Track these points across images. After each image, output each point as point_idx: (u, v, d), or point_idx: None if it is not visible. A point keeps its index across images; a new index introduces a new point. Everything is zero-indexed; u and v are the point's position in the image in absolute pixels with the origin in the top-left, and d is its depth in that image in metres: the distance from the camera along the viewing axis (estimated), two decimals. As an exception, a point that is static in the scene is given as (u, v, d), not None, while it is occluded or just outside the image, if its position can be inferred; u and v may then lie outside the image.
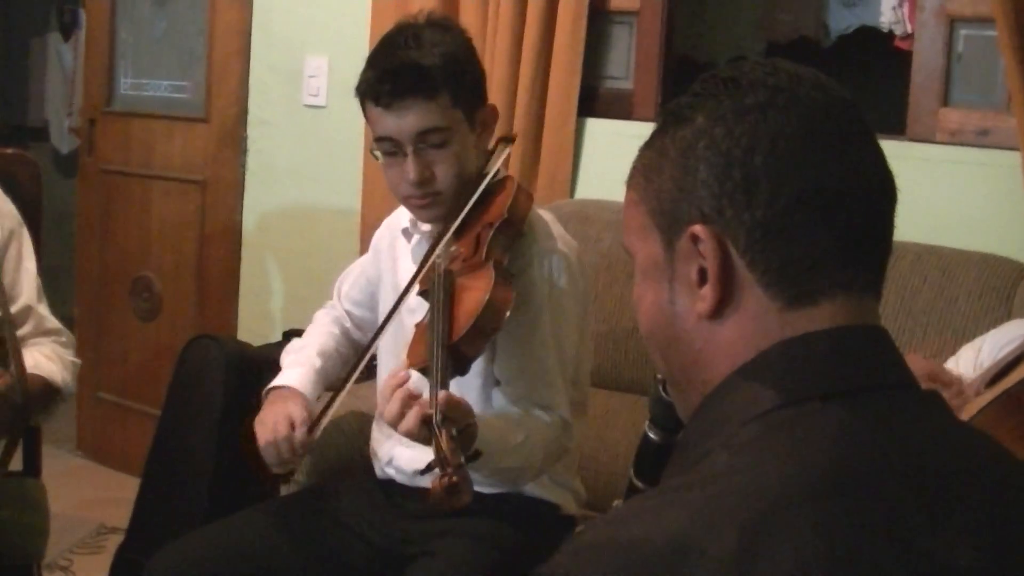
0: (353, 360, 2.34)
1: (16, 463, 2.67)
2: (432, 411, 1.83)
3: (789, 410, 0.97)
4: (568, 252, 2.22)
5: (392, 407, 1.90)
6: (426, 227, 2.28)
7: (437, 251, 2.14)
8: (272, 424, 2.24)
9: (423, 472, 1.86)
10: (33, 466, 2.78)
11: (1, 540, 2.46)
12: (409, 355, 2.06)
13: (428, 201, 2.18)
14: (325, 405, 2.28)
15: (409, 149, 2.14)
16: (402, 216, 2.37)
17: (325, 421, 2.27)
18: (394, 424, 1.91)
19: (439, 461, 1.78)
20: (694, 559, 0.86)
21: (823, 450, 0.93)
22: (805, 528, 0.87)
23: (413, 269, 2.22)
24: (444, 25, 2.23)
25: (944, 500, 0.93)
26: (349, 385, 2.27)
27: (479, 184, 2.18)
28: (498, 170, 2.23)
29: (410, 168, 2.14)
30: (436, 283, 2.06)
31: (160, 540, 2.34)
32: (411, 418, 1.86)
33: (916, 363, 1.89)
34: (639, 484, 1.27)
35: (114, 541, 3.50)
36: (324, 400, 2.32)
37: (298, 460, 2.29)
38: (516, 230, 2.16)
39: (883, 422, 0.97)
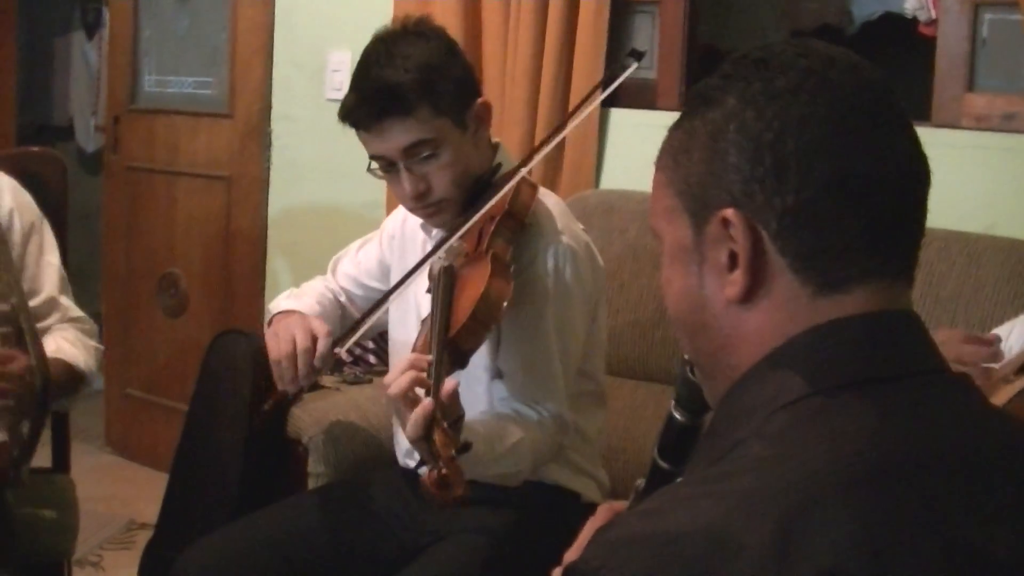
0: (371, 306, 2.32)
1: (45, 459, 2.69)
2: (434, 409, 1.78)
3: (820, 399, 0.96)
4: (575, 244, 2.19)
5: (396, 401, 1.85)
6: None
7: (439, 253, 2.13)
8: (290, 336, 2.20)
9: (416, 467, 1.82)
10: (62, 462, 2.79)
11: (31, 537, 2.48)
12: (414, 350, 2.05)
13: (432, 210, 2.20)
14: (355, 323, 2.25)
15: (400, 165, 2.14)
16: None
17: (353, 339, 2.24)
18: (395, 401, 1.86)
19: (430, 455, 1.75)
20: (732, 552, 0.85)
21: (858, 439, 0.92)
22: (842, 519, 0.86)
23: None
24: (418, 31, 2.19)
25: (981, 488, 0.92)
26: (385, 306, 2.26)
27: (491, 182, 2.18)
28: (500, 165, 2.23)
29: (405, 183, 2.15)
30: (435, 281, 2.06)
31: (190, 535, 2.35)
32: (419, 422, 1.77)
33: (944, 333, 1.88)
34: (663, 464, 1.26)
35: (144, 536, 3.51)
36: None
37: (313, 376, 2.24)
38: (518, 222, 2.15)
39: (917, 410, 0.96)
